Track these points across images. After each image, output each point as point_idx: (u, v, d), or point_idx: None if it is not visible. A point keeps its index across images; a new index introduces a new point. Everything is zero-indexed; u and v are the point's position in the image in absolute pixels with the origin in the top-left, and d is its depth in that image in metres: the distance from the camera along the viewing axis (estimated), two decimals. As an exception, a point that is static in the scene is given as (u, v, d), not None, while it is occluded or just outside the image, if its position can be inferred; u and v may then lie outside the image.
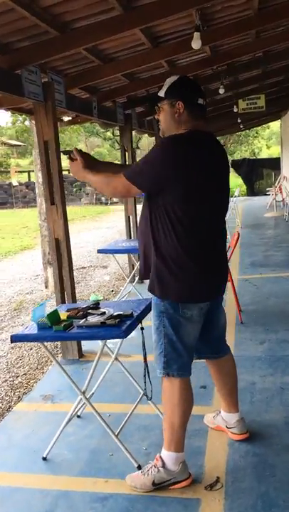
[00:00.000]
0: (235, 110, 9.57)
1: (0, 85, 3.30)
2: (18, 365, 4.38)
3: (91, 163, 2.47)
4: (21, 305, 6.42)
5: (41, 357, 4.47)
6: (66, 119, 6.49)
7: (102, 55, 4.23)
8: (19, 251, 11.11)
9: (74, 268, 8.33)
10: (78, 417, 3.18)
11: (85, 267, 8.60)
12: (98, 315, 2.74)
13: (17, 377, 4.11)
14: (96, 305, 2.94)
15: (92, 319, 2.67)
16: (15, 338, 2.59)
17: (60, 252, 4.05)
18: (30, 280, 7.90)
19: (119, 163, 6.28)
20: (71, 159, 2.43)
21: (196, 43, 3.17)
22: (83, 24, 3.27)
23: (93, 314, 2.77)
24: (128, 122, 6.56)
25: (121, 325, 2.53)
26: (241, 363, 3.74)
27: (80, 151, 2.47)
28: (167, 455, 2.39)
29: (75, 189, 24.88)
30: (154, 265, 2.28)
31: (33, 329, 2.63)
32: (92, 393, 3.18)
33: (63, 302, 4.12)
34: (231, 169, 25.19)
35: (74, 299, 4.15)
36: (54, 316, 2.64)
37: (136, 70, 4.95)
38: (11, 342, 2.61)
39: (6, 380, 4.05)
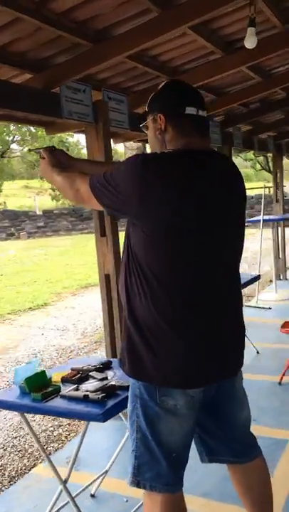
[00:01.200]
0: None
1: (34, 107, 2.99)
2: (67, 411, 3.98)
3: (64, 162, 1.97)
4: (103, 338, 6.07)
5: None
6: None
7: (167, 67, 3.73)
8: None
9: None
10: (92, 496, 2.64)
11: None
12: (98, 380, 2.20)
13: (60, 426, 3.70)
14: (107, 365, 2.40)
15: (86, 386, 2.15)
16: (-6, 403, 2.17)
17: (109, 289, 3.59)
18: (126, 309, 7.57)
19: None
20: (42, 158, 1.97)
21: (249, 42, 2.50)
22: (121, 32, 2.82)
23: (94, 378, 2.24)
24: (227, 141, 5.92)
25: (105, 403, 1.96)
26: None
27: (50, 148, 1.98)
28: None
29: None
30: (125, 332, 1.69)
31: (13, 393, 2.18)
32: (106, 470, 2.62)
33: (113, 345, 3.65)
34: None
35: (125, 344, 3.64)
36: (37, 379, 2.16)
37: (221, 84, 4.37)
38: (-11, 407, 2.20)
39: (46, 430, 3.67)
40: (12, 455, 3.31)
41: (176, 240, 1.56)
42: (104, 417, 1.88)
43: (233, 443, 1.87)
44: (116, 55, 2.87)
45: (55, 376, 2.27)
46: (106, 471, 2.62)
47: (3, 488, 2.91)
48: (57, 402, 2.03)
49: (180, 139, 1.66)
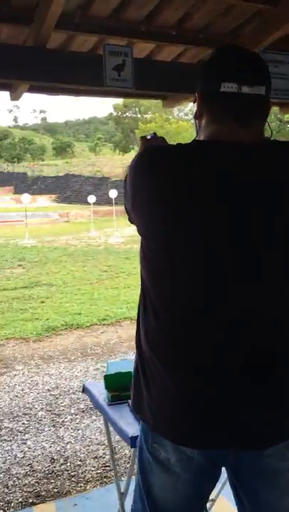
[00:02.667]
0: None
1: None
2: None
3: None
4: None
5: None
6: None
7: None
8: None
9: None
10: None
11: None
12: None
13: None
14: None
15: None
16: (85, 388, 2.21)
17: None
18: None
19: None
20: None
21: None
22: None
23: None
24: None
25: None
26: None
27: (149, 136, 1.74)
28: None
29: None
30: (135, 359, 1.42)
31: (100, 386, 2.15)
32: (213, 499, 2.31)
33: None
34: None
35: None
36: (118, 378, 2.06)
37: None
38: (82, 391, 2.24)
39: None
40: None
41: (160, 256, 1.22)
42: (133, 442, 1.66)
43: None
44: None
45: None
46: (213, 500, 2.32)
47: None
48: (116, 409, 1.90)
49: (209, 127, 1.25)
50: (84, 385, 2.21)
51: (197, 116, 1.30)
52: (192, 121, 1.35)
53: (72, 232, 17.62)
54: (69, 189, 39.35)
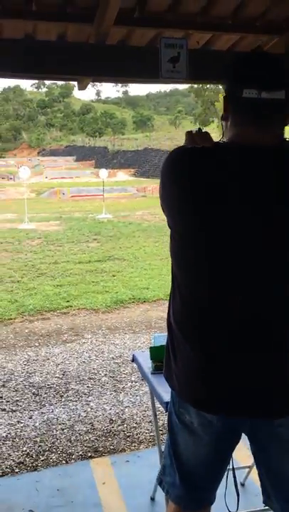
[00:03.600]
0: None
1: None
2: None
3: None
4: None
5: None
6: None
7: None
8: None
9: None
10: (242, 485, 2.58)
11: None
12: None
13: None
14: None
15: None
16: (133, 357, 2.44)
17: None
18: None
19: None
20: None
21: None
22: None
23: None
24: None
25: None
26: None
27: (194, 131, 1.89)
28: None
29: None
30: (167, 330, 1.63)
31: (147, 355, 2.37)
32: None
33: None
34: None
35: None
36: (163, 350, 2.26)
37: None
38: (132, 361, 2.48)
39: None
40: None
41: (183, 246, 1.41)
42: (167, 407, 1.87)
43: (284, 502, 1.52)
44: None
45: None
46: (249, 467, 2.49)
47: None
48: (157, 378, 2.11)
49: (232, 129, 1.39)
50: (133, 354, 2.45)
51: (223, 118, 1.43)
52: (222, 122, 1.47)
53: (148, 207, 17.91)
54: (148, 163, 39.61)
